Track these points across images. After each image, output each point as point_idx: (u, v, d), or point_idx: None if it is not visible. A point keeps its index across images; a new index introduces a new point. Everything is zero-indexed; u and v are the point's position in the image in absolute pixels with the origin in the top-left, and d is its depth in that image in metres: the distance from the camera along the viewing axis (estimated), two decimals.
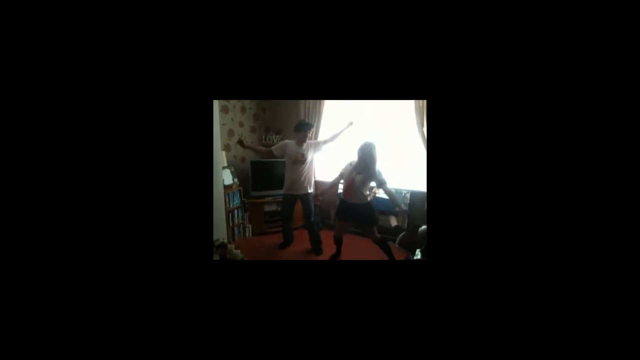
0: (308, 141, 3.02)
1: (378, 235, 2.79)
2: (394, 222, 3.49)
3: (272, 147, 3.08)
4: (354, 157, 2.72)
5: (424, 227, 3.06)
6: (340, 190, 3.31)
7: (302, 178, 3.01)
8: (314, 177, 3.13)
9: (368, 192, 2.70)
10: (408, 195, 3.48)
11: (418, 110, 3.21)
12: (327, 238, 3.23)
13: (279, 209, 3.85)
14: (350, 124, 3.10)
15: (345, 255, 3.05)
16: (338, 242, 2.99)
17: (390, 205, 3.17)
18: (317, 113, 3.87)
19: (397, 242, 3.32)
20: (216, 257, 2.68)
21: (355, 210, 2.70)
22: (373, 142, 2.59)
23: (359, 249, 3.25)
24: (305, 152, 2.98)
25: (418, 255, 2.62)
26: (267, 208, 3.82)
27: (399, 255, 3.02)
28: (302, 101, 3.94)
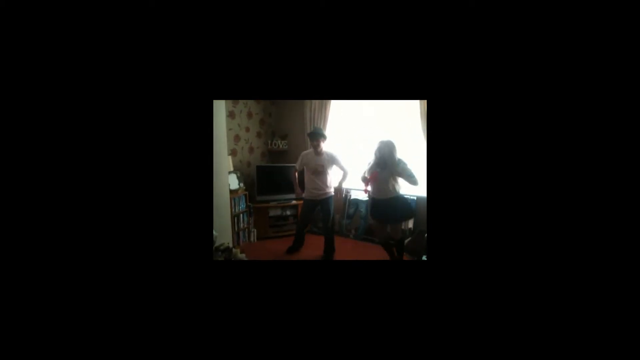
0: (326, 151, 3.00)
1: (400, 235, 2.77)
2: (409, 224, 3.45)
3: (295, 167, 3.15)
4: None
5: None
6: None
7: (322, 185, 3.02)
8: (345, 178, 3.07)
9: (396, 186, 2.63)
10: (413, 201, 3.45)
11: (424, 116, 3.18)
12: (337, 244, 3.22)
13: (285, 213, 3.85)
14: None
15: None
16: (387, 246, 2.84)
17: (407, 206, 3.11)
18: (323, 118, 3.88)
19: (403, 247, 3.28)
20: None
21: (388, 206, 2.63)
22: (392, 141, 2.58)
23: (369, 255, 3.21)
24: (323, 162, 2.98)
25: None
26: (272, 213, 3.82)
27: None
28: (308, 107, 3.95)
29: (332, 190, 3.08)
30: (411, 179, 2.55)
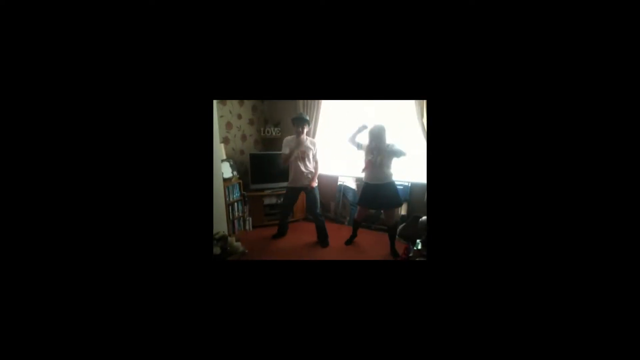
0: (308, 138, 3.06)
1: (394, 220, 2.93)
2: (402, 210, 3.52)
3: (282, 148, 3.11)
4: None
5: (424, 217, 3.09)
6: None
7: (305, 172, 3.07)
8: (317, 171, 3.18)
9: (389, 171, 2.78)
10: (408, 187, 3.51)
11: (418, 101, 3.19)
12: (329, 230, 3.27)
13: (279, 201, 3.87)
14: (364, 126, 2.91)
15: (350, 249, 3.11)
16: (357, 225, 3.15)
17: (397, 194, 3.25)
18: (316, 106, 3.85)
19: (397, 233, 3.35)
20: (217, 250, 2.71)
21: (379, 191, 2.78)
22: (383, 125, 2.73)
23: (366, 240, 3.29)
24: (305, 148, 3.03)
25: (419, 245, 2.65)
26: (266, 201, 3.83)
27: (400, 245, 3.05)
28: None
29: (316, 181, 3.17)
30: (400, 153, 2.71)
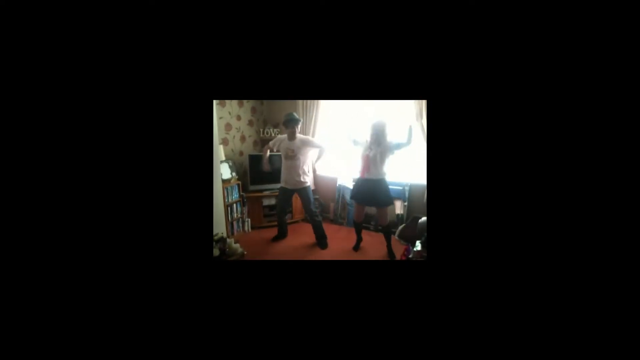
0: (298, 135, 3.01)
1: (388, 220, 2.87)
2: (398, 209, 3.52)
3: (270, 142, 3.17)
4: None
5: (423, 219, 3.09)
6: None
7: (296, 172, 3.01)
8: (311, 171, 3.14)
9: (384, 168, 2.77)
10: (407, 188, 3.51)
11: (417, 101, 3.19)
12: (328, 231, 3.27)
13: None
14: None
15: (349, 250, 3.10)
16: (358, 227, 3.07)
17: (395, 191, 3.25)
18: (315, 106, 3.85)
19: (397, 234, 3.35)
20: (215, 252, 2.70)
21: (371, 187, 2.76)
22: (384, 120, 2.74)
23: (365, 241, 3.27)
24: (294, 147, 2.97)
25: (418, 246, 2.65)
26: (265, 202, 3.82)
27: (399, 247, 3.05)
28: None
29: (308, 181, 3.11)
30: (403, 143, 2.70)
